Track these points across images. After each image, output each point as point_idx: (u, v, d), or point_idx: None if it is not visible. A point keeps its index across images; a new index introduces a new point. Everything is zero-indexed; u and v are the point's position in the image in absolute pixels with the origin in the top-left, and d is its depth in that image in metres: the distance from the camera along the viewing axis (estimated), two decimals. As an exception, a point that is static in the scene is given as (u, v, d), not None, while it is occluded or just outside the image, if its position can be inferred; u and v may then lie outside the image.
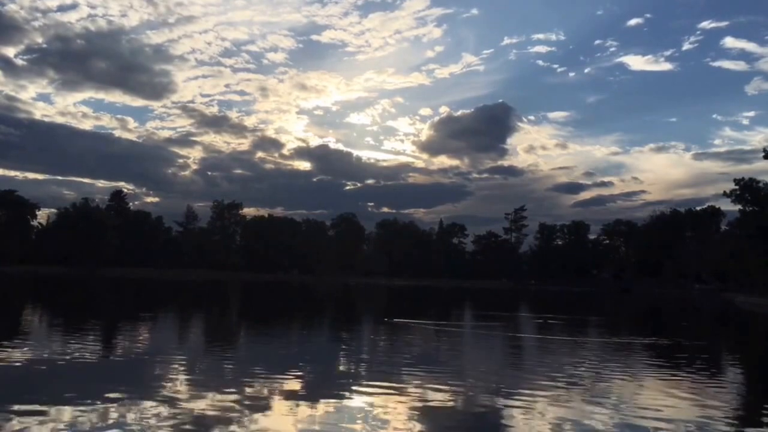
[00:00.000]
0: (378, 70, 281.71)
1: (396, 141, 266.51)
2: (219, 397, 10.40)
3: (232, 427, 8.58)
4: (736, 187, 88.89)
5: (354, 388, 11.76)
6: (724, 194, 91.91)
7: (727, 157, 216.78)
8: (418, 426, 9.20)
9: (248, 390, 11.10)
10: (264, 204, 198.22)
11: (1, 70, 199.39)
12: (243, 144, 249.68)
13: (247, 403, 10.07)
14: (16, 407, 9.06)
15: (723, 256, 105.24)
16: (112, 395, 10.08)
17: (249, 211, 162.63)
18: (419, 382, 12.57)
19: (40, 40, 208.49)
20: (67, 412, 8.96)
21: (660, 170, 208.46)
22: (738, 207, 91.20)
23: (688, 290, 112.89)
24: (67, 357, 14.39)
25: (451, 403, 10.84)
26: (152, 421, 8.66)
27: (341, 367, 15.09)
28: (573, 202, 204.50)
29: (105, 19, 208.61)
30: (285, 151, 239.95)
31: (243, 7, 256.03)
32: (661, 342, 23.74)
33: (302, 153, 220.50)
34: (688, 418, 10.10)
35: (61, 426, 8.30)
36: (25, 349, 15.52)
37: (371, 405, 10.41)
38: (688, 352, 20.85)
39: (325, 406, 10.24)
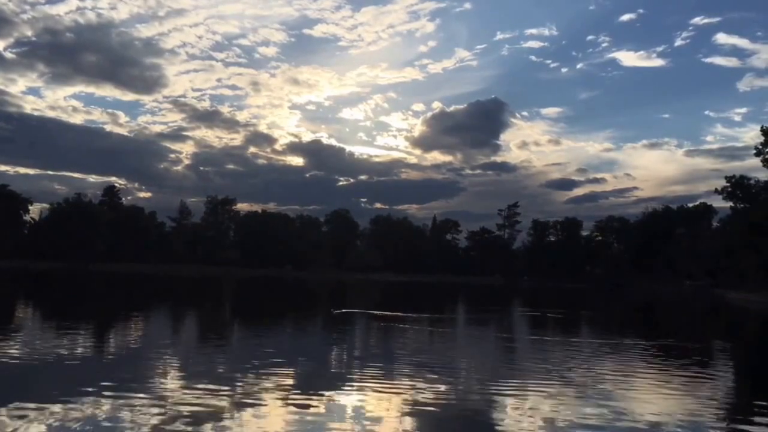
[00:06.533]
0: (371, 64, 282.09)
1: (389, 136, 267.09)
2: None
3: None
4: (728, 184, 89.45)
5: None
6: (716, 191, 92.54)
7: (719, 153, 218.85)
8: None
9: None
10: (256, 199, 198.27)
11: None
12: (235, 139, 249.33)
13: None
14: (7, 405, 9.05)
15: (714, 252, 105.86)
16: (103, 392, 10.09)
17: (242, 207, 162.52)
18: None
19: (29, 33, 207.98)
20: (58, 410, 8.95)
21: (652, 167, 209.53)
22: (729, 204, 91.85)
23: (679, 286, 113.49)
24: (58, 353, 14.36)
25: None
26: (143, 418, 8.69)
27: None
28: (566, 199, 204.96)
29: (94, 12, 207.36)
30: (277, 147, 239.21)
31: (234, 1, 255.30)
32: (656, 340, 23.91)
33: (295, 148, 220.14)
34: (681, 414, 10.20)
35: (53, 423, 8.30)
36: (16, 345, 15.52)
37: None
38: (682, 349, 21.02)
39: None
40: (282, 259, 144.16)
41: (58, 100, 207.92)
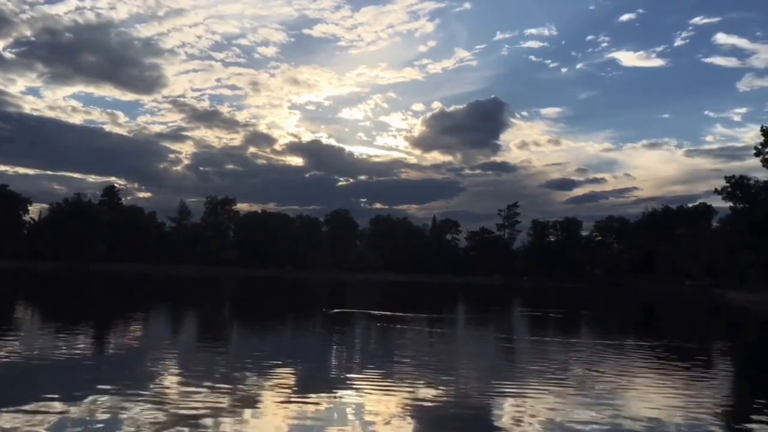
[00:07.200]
0: (370, 64, 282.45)
1: (388, 136, 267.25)
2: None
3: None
4: (728, 184, 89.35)
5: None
6: (716, 191, 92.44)
7: (718, 153, 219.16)
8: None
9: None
10: (256, 199, 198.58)
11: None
12: (235, 139, 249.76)
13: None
14: (6, 405, 9.02)
15: (714, 252, 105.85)
16: (103, 392, 10.08)
17: (241, 207, 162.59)
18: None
19: (28, 33, 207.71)
20: (57, 410, 8.93)
21: (652, 167, 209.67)
22: (729, 204, 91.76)
23: (679, 286, 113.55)
24: (57, 354, 14.33)
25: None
26: (143, 418, 8.66)
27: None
28: (566, 199, 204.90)
29: (93, 11, 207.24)
30: (277, 147, 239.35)
31: (233, 1, 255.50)
32: (656, 340, 23.88)
33: (294, 148, 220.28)
34: (681, 415, 10.18)
35: (53, 424, 8.27)
36: (15, 345, 15.50)
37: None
38: (682, 349, 21.01)
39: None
40: (282, 259, 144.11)
41: (58, 100, 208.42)
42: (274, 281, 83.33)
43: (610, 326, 31.86)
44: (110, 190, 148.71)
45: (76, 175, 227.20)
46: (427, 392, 11.31)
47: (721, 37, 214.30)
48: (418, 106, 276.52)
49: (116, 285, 57.32)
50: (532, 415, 9.80)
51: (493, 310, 41.59)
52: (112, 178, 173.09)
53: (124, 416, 8.80)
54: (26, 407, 8.99)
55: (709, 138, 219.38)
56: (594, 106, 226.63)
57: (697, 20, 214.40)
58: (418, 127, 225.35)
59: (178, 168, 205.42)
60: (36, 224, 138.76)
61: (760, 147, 79.28)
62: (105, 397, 9.83)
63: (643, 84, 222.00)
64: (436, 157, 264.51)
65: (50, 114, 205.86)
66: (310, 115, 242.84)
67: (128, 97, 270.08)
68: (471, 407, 10.48)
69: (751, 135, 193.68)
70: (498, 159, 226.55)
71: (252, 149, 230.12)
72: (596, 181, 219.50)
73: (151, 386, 10.97)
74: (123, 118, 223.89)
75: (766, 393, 13.86)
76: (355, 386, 11.77)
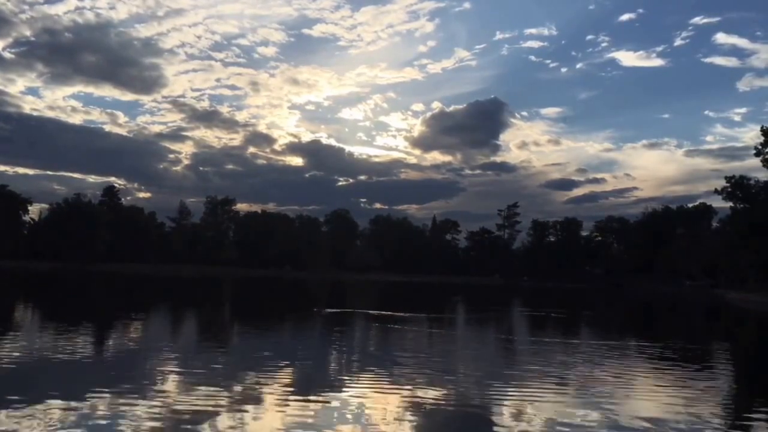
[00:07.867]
0: (370, 64, 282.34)
1: (388, 136, 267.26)
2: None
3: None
4: (728, 184, 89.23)
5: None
6: (716, 192, 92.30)
7: (718, 153, 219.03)
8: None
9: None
10: (256, 200, 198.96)
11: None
12: (234, 139, 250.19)
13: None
14: (7, 405, 9.02)
15: (714, 253, 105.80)
16: (102, 392, 10.08)
17: (241, 207, 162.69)
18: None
19: (28, 33, 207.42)
20: (58, 410, 8.93)
21: (652, 167, 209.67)
22: (729, 204, 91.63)
23: (679, 286, 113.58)
24: (57, 354, 14.33)
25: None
26: (143, 418, 8.67)
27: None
28: (566, 199, 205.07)
29: (93, 11, 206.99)
30: (277, 147, 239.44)
31: (233, 0, 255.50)
32: (656, 341, 23.89)
33: (294, 148, 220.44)
34: (681, 415, 10.17)
35: (53, 424, 8.26)
36: (15, 346, 15.49)
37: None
38: (682, 349, 21.00)
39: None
40: (281, 259, 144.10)
41: (57, 100, 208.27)
42: (274, 281, 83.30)
43: (611, 327, 31.85)
44: (110, 190, 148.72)
45: (76, 175, 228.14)
46: (426, 393, 11.29)
47: (721, 37, 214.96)
48: (418, 106, 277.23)
49: (116, 285, 57.28)
50: (533, 416, 9.79)
51: (493, 310, 41.57)
52: (112, 178, 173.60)
53: (124, 416, 8.79)
54: (26, 407, 8.98)
55: (709, 138, 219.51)
56: (594, 106, 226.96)
57: (697, 20, 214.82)
58: (417, 127, 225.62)
59: (178, 168, 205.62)
60: (36, 224, 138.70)
61: (760, 147, 79.12)
62: (105, 398, 9.84)
63: (643, 84, 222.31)
64: (436, 157, 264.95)
65: (50, 114, 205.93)
66: (310, 115, 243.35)
67: (128, 97, 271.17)
68: (471, 408, 10.46)
69: (751, 135, 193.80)
70: (498, 159, 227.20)
71: (252, 149, 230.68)
72: (596, 181, 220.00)
73: (151, 386, 10.97)
74: (123, 118, 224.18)
75: (766, 393, 13.85)
76: (353, 387, 11.77)
